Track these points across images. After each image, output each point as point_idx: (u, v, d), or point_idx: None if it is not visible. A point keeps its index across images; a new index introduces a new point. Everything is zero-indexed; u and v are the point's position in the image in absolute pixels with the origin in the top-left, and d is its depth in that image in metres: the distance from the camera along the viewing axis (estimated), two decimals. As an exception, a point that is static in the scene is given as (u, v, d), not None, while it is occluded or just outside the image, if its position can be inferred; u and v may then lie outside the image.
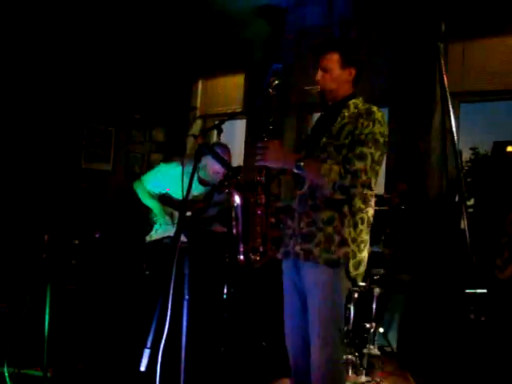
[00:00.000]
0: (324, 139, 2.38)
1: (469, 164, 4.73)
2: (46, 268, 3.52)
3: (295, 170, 2.30)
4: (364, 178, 2.24)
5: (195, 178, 3.57)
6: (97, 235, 3.81)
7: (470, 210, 4.45)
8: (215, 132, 2.99)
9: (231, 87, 6.81)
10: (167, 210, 3.59)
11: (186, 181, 3.55)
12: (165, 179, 3.56)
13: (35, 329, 3.23)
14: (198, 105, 7.25)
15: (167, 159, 3.83)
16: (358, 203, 2.33)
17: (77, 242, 4.75)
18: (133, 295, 3.69)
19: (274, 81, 2.39)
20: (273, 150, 2.31)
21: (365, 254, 2.39)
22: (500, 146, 4.49)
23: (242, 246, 2.43)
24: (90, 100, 6.19)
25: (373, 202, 2.42)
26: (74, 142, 6.16)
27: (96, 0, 5.60)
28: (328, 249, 2.29)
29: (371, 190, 2.36)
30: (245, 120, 6.51)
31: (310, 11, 5.64)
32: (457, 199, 4.45)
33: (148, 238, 3.65)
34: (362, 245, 2.35)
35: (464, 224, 1.64)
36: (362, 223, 2.34)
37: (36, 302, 3.31)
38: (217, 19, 6.17)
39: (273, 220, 2.44)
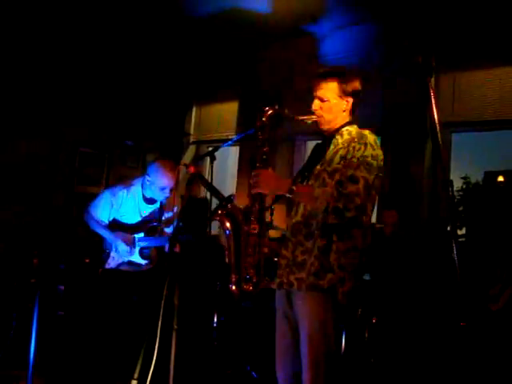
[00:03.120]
0: (318, 167, 2.37)
1: (460, 193, 4.75)
2: (34, 293, 3.47)
3: (288, 195, 2.26)
4: (358, 201, 2.17)
5: (141, 197, 3.63)
6: (87, 260, 3.77)
7: (462, 239, 4.45)
8: (208, 159, 3.00)
9: (225, 114, 6.86)
10: (119, 235, 3.60)
11: (131, 204, 3.62)
12: (109, 205, 3.63)
13: (21, 355, 3.17)
14: (192, 131, 7.28)
15: (110, 186, 3.90)
16: (352, 229, 2.27)
17: (66, 267, 4.70)
18: (121, 324, 3.64)
19: (268, 110, 2.35)
20: (266, 177, 2.27)
21: (356, 282, 2.32)
22: (491, 175, 4.52)
23: (233, 275, 2.38)
24: (84, 124, 6.20)
25: (369, 228, 2.34)
26: (67, 165, 6.15)
27: (90, 26, 5.66)
28: (316, 275, 2.25)
29: (366, 215, 2.29)
30: (238, 146, 6.53)
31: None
32: (448, 228, 4.45)
33: (107, 266, 3.65)
34: (354, 272, 2.29)
35: (453, 255, 1.63)
36: (355, 250, 2.28)
37: (24, 327, 3.25)
38: (211, 46, 6.25)
39: (266, 250, 2.41)
